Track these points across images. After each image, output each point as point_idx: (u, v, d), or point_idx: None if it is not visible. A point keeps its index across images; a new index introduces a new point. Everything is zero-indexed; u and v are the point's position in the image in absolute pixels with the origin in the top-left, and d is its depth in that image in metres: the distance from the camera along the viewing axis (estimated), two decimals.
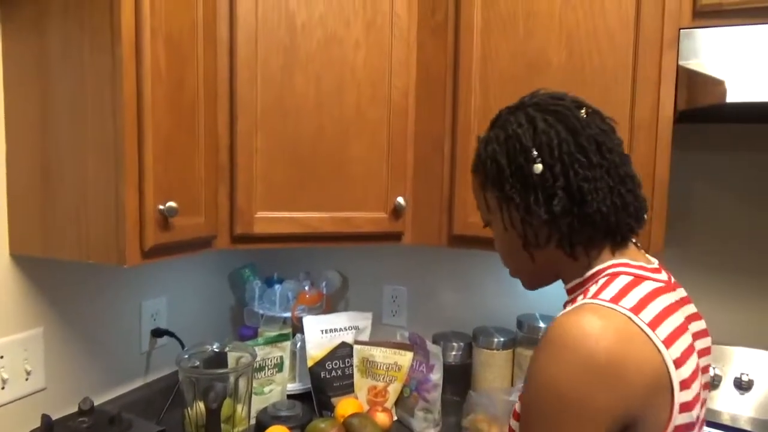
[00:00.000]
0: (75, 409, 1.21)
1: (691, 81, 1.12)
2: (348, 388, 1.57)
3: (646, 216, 0.82)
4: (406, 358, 1.53)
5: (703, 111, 1.16)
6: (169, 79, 1.10)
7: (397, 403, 1.54)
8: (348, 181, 1.35)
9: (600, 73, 1.21)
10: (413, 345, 1.55)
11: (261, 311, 1.67)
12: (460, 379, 1.58)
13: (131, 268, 1.46)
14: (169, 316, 1.59)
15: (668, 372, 0.68)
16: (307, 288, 1.68)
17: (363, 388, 1.56)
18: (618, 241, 0.79)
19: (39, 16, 1.09)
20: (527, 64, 1.27)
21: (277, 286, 1.67)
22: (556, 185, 0.76)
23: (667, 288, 0.77)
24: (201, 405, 1.18)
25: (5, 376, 1.18)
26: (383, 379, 1.54)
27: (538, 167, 0.76)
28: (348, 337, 1.60)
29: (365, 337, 1.62)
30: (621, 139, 0.81)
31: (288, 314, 1.65)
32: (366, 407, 1.52)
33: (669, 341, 0.69)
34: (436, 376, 1.48)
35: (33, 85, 1.11)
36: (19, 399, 1.21)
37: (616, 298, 0.71)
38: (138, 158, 1.06)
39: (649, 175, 1.17)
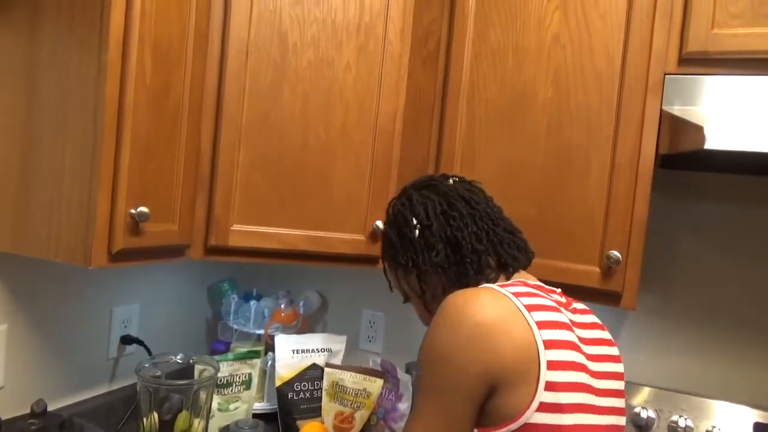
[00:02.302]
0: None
1: (673, 126, 1.12)
2: (315, 412, 1.53)
3: (531, 250, 0.97)
4: (375, 385, 1.51)
5: (686, 157, 1.16)
6: (153, 85, 1.10)
7: (362, 431, 1.51)
8: (328, 201, 1.34)
9: (584, 110, 1.21)
10: (384, 372, 1.52)
11: (235, 326, 1.66)
12: None
13: (105, 272, 1.45)
14: (140, 324, 1.57)
15: (537, 349, 0.77)
16: (283, 306, 1.66)
17: (330, 413, 1.52)
18: (510, 272, 0.93)
19: (32, 17, 1.11)
20: (514, 96, 1.27)
21: (252, 302, 1.66)
22: (433, 240, 0.93)
23: (559, 303, 0.87)
24: (156, 416, 1.16)
25: None
26: (351, 405, 1.51)
27: (416, 231, 0.94)
28: (320, 359, 1.57)
29: (338, 360, 1.60)
30: (490, 197, 0.99)
31: (261, 331, 1.63)
32: None
33: (543, 326, 0.79)
34: (405, 406, 1.45)
35: (20, 83, 1.12)
36: None
37: (503, 286, 0.84)
38: (114, 161, 1.06)
39: (627, 216, 1.17)
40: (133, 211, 1.07)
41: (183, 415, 1.19)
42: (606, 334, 0.92)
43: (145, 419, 1.18)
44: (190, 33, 1.18)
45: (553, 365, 0.77)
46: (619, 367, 0.91)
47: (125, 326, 1.52)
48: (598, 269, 1.18)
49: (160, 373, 1.24)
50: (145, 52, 1.08)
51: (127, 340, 1.51)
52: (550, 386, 0.76)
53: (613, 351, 0.91)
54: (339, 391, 1.53)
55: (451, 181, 0.99)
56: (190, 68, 1.19)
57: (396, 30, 1.36)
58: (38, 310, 1.30)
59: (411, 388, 1.46)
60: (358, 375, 1.53)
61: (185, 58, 1.18)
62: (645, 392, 1.40)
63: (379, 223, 1.35)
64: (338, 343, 1.61)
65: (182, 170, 1.20)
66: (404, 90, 1.39)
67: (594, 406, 0.81)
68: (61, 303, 1.35)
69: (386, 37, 1.36)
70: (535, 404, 0.75)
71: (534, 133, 1.25)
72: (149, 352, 1.49)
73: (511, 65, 1.28)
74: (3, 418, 1.17)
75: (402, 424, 1.44)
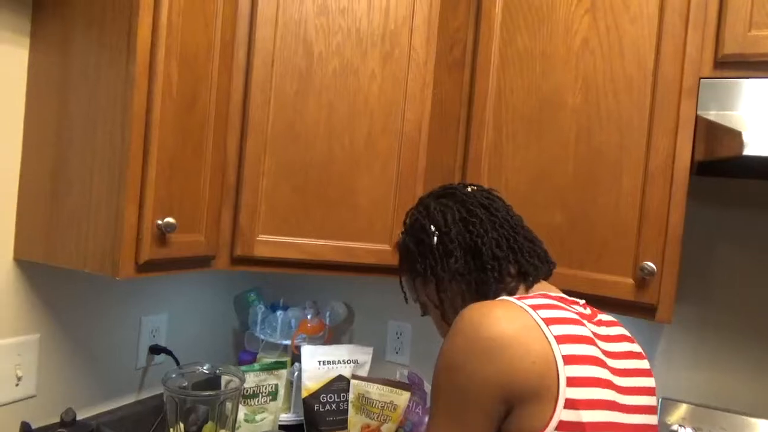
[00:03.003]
0: None
1: (709, 132, 1.08)
2: (341, 424, 1.52)
3: (552, 261, 0.95)
4: (402, 397, 1.48)
5: (723, 163, 1.11)
6: (180, 97, 1.11)
7: None
8: (353, 211, 1.33)
9: (615, 117, 1.17)
10: (411, 385, 1.50)
11: (262, 336, 1.65)
12: None
13: (135, 282, 1.47)
14: (169, 333, 1.58)
15: (556, 365, 0.73)
16: (309, 317, 1.65)
17: (356, 426, 1.51)
18: (530, 282, 0.90)
19: (65, 32, 1.13)
20: (541, 103, 1.24)
21: (279, 312, 1.65)
22: (452, 247, 0.91)
23: (582, 315, 0.84)
24: (182, 426, 1.16)
25: None
26: (378, 417, 1.49)
27: (434, 237, 0.92)
28: (346, 371, 1.56)
29: (364, 372, 1.58)
30: (509, 205, 0.98)
31: (288, 342, 1.62)
32: None
33: (562, 340, 0.75)
34: None
35: (52, 97, 1.15)
36: (7, 404, 1.21)
37: (520, 299, 0.81)
38: (141, 173, 1.07)
39: (662, 226, 1.12)
40: (159, 221, 1.08)
41: (209, 426, 1.19)
42: (635, 347, 0.88)
43: (171, 429, 1.18)
44: (216, 44, 1.19)
45: (573, 381, 0.73)
46: (649, 382, 0.86)
47: (154, 336, 1.53)
48: (631, 281, 1.14)
49: (187, 383, 1.24)
50: (172, 64, 1.09)
51: (155, 349, 1.52)
52: (571, 404, 0.73)
53: (643, 364, 0.87)
54: (365, 403, 1.51)
55: (469, 189, 0.98)
56: (216, 79, 1.20)
57: (421, 37, 1.35)
58: (69, 320, 1.32)
59: None
60: (384, 387, 1.51)
61: (211, 69, 1.19)
62: (682, 409, 1.35)
63: None
64: (364, 355, 1.60)
65: (208, 181, 1.20)
66: (429, 97, 1.38)
67: (621, 424, 0.77)
68: (91, 312, 1.37)
69: (411, 44, 1.35)
70: (554, 423, 0.72)
71: (563, 140, 1.22)
72: (177, 362, 1.50)
73: (538, 71, 1.25)
74: (34, 427, 1.19)
75: None
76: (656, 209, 1.13)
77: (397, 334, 1.77)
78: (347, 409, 1.52)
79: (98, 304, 1.38)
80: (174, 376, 1.24)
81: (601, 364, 0.78)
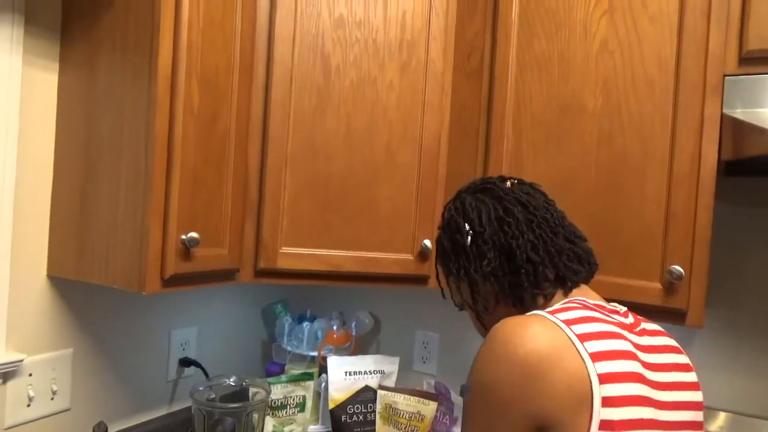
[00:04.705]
0: None
1: (736, 130, 1.05)
2: None
3: (594, 261, 0.89)
4: (429, 408, 1.47)
5: (752, 163, 1.08)
6: (201, 116, 1.14)
7: None
8: (375, 222, 1.34)
9: (637, 119, 1.15)
10: (438, 395, 1.49)
11: (289, 348, 1.67)
12: None
13: (164, 296, 1.50)
14: (198, 346, 1.60)
15: (591, 385, 0.70)
16: (335, 327, 1.66)
17: None
18: (568, 287, 0.86)
19: (91, 54, 1.17)
20: (561, 108, 1.23)
21: (305, 324, 1.66)
22: (486, 248, 0.87)
23: (623, 325, 0.80)
24: None
25: (32, 393, 1.21)
26: (405, 428, 1.48)
27: (468, 237, 0.89)
28: (372, 382, 1.55)
29: (391, 382, 1.58)
30: (551, 201, 0.92)
31: (315, 353, 1.63)
32: None
33: (598, 357, 0.72)
34: (459, 430, 1.41)
35: (80, 118, 1.19)
36: (43, 418, 1.24)
37: (554, 312, 0.77)
38: (165, 190, 1.09)
39: (689, 229, 1.09)
40: (183, 237, 1.10)
41: None
42: (681, 359, 0.84)
43: None
44: (236, 62, 1.21)
45: (609, 401, 0.69)
46: (695, 396, 0.82)
47: (183, 349, 1.56)
48: (659, 285, 1.11)
49: (215, 395, 1.26)
50: (193, 84, 1.11)
51: (185, 362, 1.55)
52: (606, 425, 0.69)
53: (689, 377, 0.82)
54: (393, 414, 1.50)
55: (508, 183, 0.93)
56: (236, 96, 1.22)
57: (438, 46, 1.35)
58: (101, 334, 1.35)
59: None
60: (411, 397, 1.50)
61: (231, 87, 1.21)
62: (721, 417, 1.30)
63: (428, 242, 1.33)
64: (391, 365, 1.59)
65: (230, 196, 1.23)
66: (448, 107, 1.38)
67: None
68: (122, 327, 1.40)
69: (428, 54, 1.35)
70: None
71: (584, 146, 1.20)
72: (206, 375, 1.52)
73: (557, 75, 1.24)
74: None
75: None
76: (683, 212, 1.10)
77: (423, 343, 1.76)
78: (375, 420, 1.52)
79: (129, 318, 1.42)
80: (201, 388, 1.26)
81: (640, 380, 0.74)
